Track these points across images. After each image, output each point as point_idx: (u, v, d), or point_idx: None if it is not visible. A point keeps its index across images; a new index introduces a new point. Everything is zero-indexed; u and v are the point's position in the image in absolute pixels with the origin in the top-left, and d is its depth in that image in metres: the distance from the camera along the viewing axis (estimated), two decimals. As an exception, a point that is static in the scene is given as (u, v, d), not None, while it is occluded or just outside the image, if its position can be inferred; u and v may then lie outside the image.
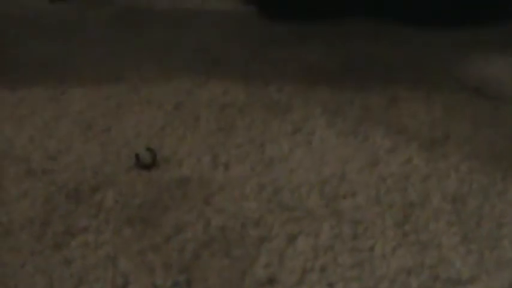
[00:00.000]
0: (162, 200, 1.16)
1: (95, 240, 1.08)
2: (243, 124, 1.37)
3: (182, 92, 1.50)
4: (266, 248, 1.06)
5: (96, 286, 1.00)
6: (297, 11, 1.86)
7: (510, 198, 1.16)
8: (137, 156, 1.27)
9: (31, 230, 1.11)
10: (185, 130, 1.36)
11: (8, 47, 1.76)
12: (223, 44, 1.72)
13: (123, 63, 1.64)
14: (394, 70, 1.57)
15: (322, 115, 1.39)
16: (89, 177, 1.23)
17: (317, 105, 1.42)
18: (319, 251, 1.05)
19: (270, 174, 1.22)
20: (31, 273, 1.03)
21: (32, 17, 1.95)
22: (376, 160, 1.25)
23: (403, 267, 1.02)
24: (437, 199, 1.15)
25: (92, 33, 1.83)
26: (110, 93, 1.51)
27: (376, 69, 1.58)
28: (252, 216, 1.12)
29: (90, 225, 1.12)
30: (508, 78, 1.54)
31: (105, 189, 1.20)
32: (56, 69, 1.63)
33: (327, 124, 1.36)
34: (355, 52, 1.66)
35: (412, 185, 1.19)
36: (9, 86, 1.56)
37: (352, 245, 1.06)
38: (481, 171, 1.22)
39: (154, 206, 1.15)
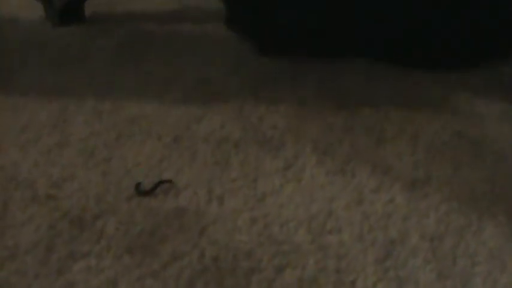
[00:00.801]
0: (160, 230, 1.24)
1: (97, 265, 1.16)
2: (237, 159, 1.44)
3: (181, 125, 1.56)
4: (256, 279, 1.13)
5: (97, 309, 1.07)
6: (293, 48, 1.92)
7: (484, 238, 1.23)
8: (138, 184, 1.34)
9: (36, 254, 1.18)
10: (183, 163, 1.43)
11: (13, 71, 1.82)
12: (220, 79, 1.77)
13: (123, 94, 1.69)
14: (382, 110, 1.62)
15: (312, 153, 1.46)
16: (91, 204, 1.30)
17: (308, 143, 1.49)
18: (304, 283, 1.12)
19: (262, 208, 1.29)
20: (36, 295, 1.10)
21: (36, 42, 2.00)
22: (361, 199, 1.33)
23: (382, 300, 1.10)
24: (416, 237, 1.23)
25: (93, 62, 1.87)
26: (111, 124, 1.57)
27: (366, 108, 1.64)
28: (243, 248, 1.19)
29: (92, 251, 1.19)
30: (490, 122, 1.59)
31: (107, 217, 1.27)
32: (58, 96, 1.69)
33: (316, 162, 1.43)
34: (347, 90, 1.72)
35: (393, 223, 1.26)
36: (15, 111, 1.62)
37: (336, 278, 1.13)
38: (459, 211, 1.30)
39: (152, 235, 1.22)
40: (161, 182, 1.35)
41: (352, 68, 1.83)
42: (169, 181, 1.36)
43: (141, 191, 1.33)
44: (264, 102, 1.66)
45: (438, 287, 1.13)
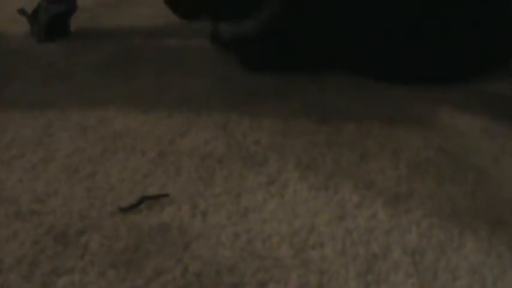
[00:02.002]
0: (144, 245, 1.24)
1: (81, 280, 1.16)
2: (221, 175, 1.45)
3: (165, 140, 1.57)
4: (239, 294, 1.14)
5: (80, 325, 1.08)
6: (277, 63, 1.93)
7: (465, 253, 1.24)
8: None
9: (20, 269, 1.18)
10: (167, 178, 1.44)
11: (-2, 86, 1.83)
12: (205, 94, 1.79)
13: (108, 110, 1.70)
14: (365, 125, 1.64)
15: (295, 169, 1.47)
16: (75, 220, 1.31)
17: (291, 159, 1.50)
18: (288, 298, 1.14)
19: (245, 224, 1.30)
20: (20, 310, 1.10)
21: (21, 57, 2.01)
22: (344, 214, 1.34)
23: (363, 315, 1.11)
24: (398, 252, 1.24)
25: (78, 78, 1.89)
26: (96, 139, 1.58)
27: (349, 124, 1.65)
28: (226, 264, 1.20)
29: (76, 267, 1.19)
30: (472, 137, 1.61)
31: (91, 233, 1.27)
32: (43, 111, 1.69)
33: (299, 177, 1.44)
34: (330, 106, 1.74)
35: (375, 238, 1.27)
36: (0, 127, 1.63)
37: (318, 294, 1.15)
38: (440, 227, 1.31)
39: (136, 251, 1.23)
40: (148, 198, 1.35)
41: (335, 84, 1.85)
42: (166, 195, 1.37)
43: (124, 206, 1.33)
44: (248, 117, 1.68)
45: (419, 301, 1.14)
